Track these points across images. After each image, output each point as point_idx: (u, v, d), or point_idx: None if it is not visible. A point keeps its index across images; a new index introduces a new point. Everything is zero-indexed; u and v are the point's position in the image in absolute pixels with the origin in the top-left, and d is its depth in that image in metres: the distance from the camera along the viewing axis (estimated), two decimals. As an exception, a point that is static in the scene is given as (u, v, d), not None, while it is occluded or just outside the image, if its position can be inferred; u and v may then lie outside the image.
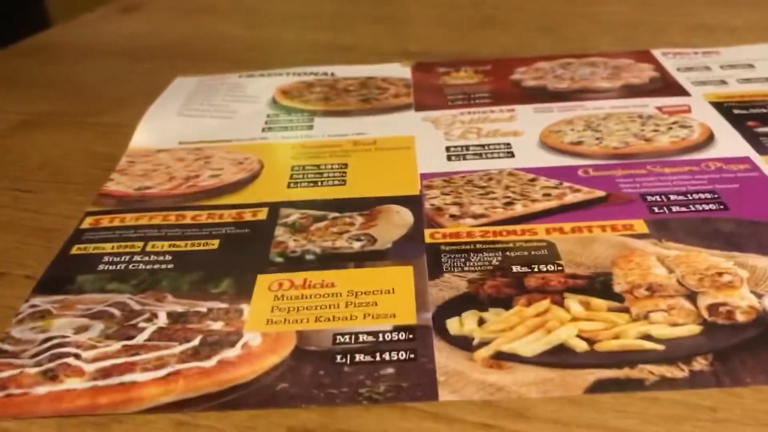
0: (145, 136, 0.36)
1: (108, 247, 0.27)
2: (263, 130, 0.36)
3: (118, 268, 0.26)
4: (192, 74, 0.43)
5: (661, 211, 0.27)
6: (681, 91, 0.37)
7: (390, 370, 0.21)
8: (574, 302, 0.23)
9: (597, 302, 0.23)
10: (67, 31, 0.54)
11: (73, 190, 0.32)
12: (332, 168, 0.32)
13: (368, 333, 0.22)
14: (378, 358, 0.21)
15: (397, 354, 0.21)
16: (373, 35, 0.49)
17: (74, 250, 0.27)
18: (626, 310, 0.23)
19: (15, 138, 0.37)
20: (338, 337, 0.22)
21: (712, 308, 0.22)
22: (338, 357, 0.22)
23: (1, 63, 0.48)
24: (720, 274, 0.24)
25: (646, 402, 0.19)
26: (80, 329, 0.24)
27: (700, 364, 0.20)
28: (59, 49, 0.50)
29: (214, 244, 0.27)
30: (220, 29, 0.52)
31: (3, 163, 0.34)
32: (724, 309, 0.22)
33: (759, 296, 0.23)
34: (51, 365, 0.22)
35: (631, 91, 0.37)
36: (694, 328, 0.22)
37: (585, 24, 0.49)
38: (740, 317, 0.22)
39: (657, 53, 0.42)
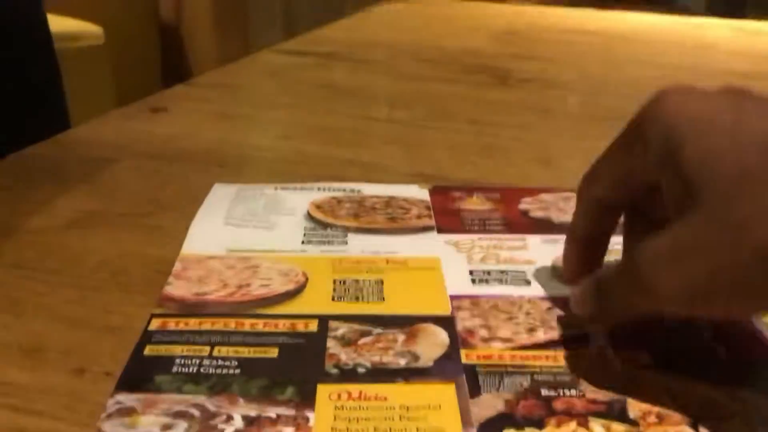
0: (195, 242, 0.39)
1: (178, 349, 0.30)
2: (303, 242, 0.40)
3: (190, 370, 0.29)
4: (225, 180, 0.47)
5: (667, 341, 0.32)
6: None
7: (449, 481, 0.24)
8: (597, 425, 0.27)
9: (616, 427, 0.27)
10: (98, 128, 0.57)
11: (134, 291, 0.35)
12: (370, 284, 0.36)
13: (425, 445, 0.26)
14: (437, 469, 0.25)
15: (453, 466, 0.25)
16: (390, 155, 0.54)
17: (147, 351, 0.30)
18: (643, 435, 0.27)
19: (70, 236, 0.40)
20: (399, 447, 0.26)
21: (713, 437, 0.27)
22: (402, 466, 0.25)
23: (46, 155, 0.51)
24: (716, 405, 0.28)
25: None
26: (165, 427, 0.26)
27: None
28: (94, 146, 0.53)
29: (274, 352, 0.31)
30: (248, 137, 0.57)
31: (63, 260, 0.37)
32: (723, 438, 0.27)
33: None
34: (147, 462, 0.25)
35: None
36: (700, 454, 0.26)
37: (578, 158, 0.55)
38: (736, 446, 0.26)
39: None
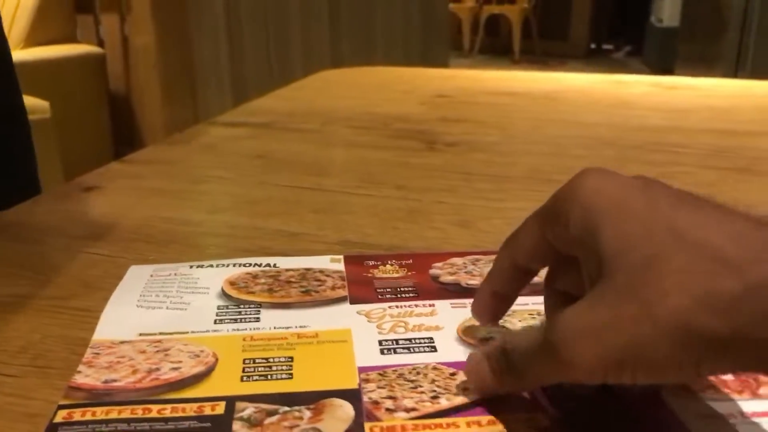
0: (107, 327, 0.39)
1: (81, 441, 0.31)
2: (215, 321, 0.40)
3: (92, 463, 0.29)
4: (153, 257, 0.47)
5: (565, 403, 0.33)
6: (571, 291, 0.44)
7: None
8: (490, 491, 0.28)
9: (509, 491, 0.28)
10: (33, 208, 0.57)
11: (54, 375, 0.35)
12: (280, 362, 0.37)
13: None
14: None
15: None
16: (317, 224, 0.55)
17: (50, 445, 0.30)
18: (532, 498, 0.28)
19: (-6, 321, 0.40)
20: None
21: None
22: None
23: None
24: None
25: None
26: None
27: None
28: (26, 227, 0.54)
29: (179, 437, 0.31)
30: (177, 213, 0.58)
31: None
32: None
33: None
34: None
35: (535, 289, 0.44)
36: None
37: (497, 219, 0.57)
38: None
39: (551, 253, 0.49)
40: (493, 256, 0.49)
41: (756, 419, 0.32)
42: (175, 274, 0.46)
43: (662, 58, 4.65)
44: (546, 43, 6.39)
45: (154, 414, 0.32)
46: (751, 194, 0.61)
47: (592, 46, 6.65)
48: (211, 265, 0.47)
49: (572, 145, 0.77)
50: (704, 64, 3.64)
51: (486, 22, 6.45)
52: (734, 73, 3.51)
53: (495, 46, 6.56)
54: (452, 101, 0.99)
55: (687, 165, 0.70)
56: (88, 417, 0.32)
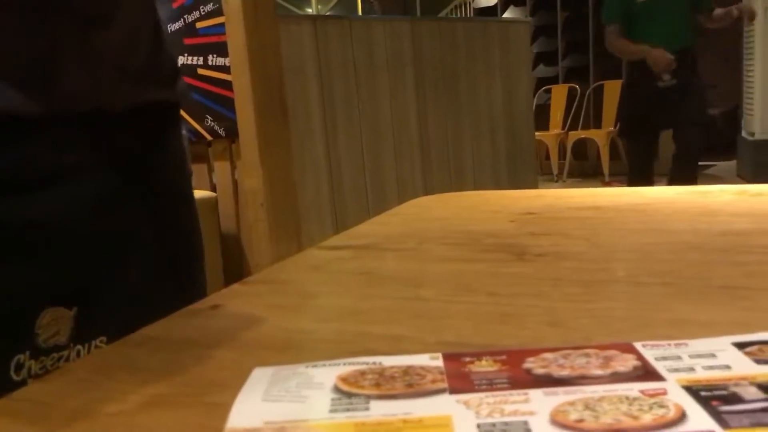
0: (237, 417, 0.45)
1: (222, 506, 0.36)
2: (330, 410, 0.45)
3: None
4: (272, 362, 0.54)
5: (647, 474, 0.36)
6: (658, 377, 0.47)
7: None
8: None
9: None
10: (168, 324, 0.66)
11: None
12: (389, 442, 0.41)
13: None
14: None
15: None
16: (417, 328, 0.60)
17: None
18: None
19: (142, 415, 0.47)
20: None
21: None
22: None
23: (122, 351, 0.60)
24: None
25: None
26: None
27: None
28: (164, 339, 0.62)
29: (304, 503, 0.36)
30: (293, 324, 0.64)
31: (134, 437, 0.44)
32: None
33: None
34: None
35: (619, 377, 0.47)
36: None
37: (585, 318, 0.60)
38: None
39: (638, 345, 0.52)
40: (583, 351, 0.52)
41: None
42: (294, 373, 0.51)
43: (756, 172, 4.57)
44: (637, 162, 6.37)
45: (281, 485, 0.37)
46: (843, 287, 0.62)
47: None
48: (324, 365, 0.52)
49: (658, 251, 0.79)
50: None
51: (573, 147, 6.55)
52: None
53: (584, 168, 6.62)
54: (539, 217, 1.04)
55: (776, 263, 0.71)
56: (227, 487, 0.37)
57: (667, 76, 4.31)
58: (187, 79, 2.98)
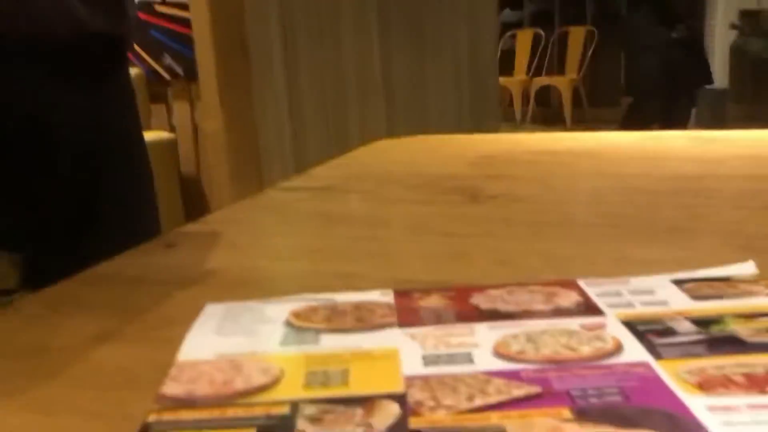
0: (188, 350, 0.46)
1: (171, 434, 0.37)
2: (281, 344, 0.46)
3: (181, 449, 0.35)
4: (225, 298, 0.54)
5: (582, 401, 0.37)
6: (598, 312, 0.49)
7: None
8: (517, 466, 0.32)
9: (533, 465, 0.32)
10: (121, 263, 0.66)
11: (145, 389, 0.41)
12: (337, 373, 0.42)
13: (370, 490, 0.31)
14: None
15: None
16: (371, 266, 0.61)
17: (146, 437, 0.36)
18: (553, 470, 0.32)
19: (91, 350, 0.47)
20: (349, 493, 0.31)
21: (613, 468, 0.32)
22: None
23: (73, 289, 0.59)
24: (620, 444, 0.34)
25: None
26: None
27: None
28: (116, 278, 0.62)
29: (253, 431, 0.37)
30: (247, 262, 0.65)
31: (85, 370, 0.44)
32: (621, 468, 0.32)
33: (646, 459, 0.32)
34: None
35: (561, 312, 0.49)
36: (600, 481, 0.31)
37: (533, 257, 0.62)
38: (632, 474, 0.31)
39: (581, 282, 0.54)
40: (528, 288, 0.54)
41: (762, 410, 0.36)
42: (247, 309, 0.52)
43: (714, 119, 4.65)
44: (597, 110, 6.45)
45: (229, 414, 0.38)
46: (780, 229, 0.64)
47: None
48: (278, 301, 0.53)
49: (608, 194, 0.81)
50: (755, 123, 3.62)
51: (536, 93, 6.57)
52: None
53: (546, 116, 6.66)
54: (497, 160, 1.05)
55: (720, 207, 0.73)
56: (176, 417, 0.38)
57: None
58: (144, 16, 2.89)
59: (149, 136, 2.78)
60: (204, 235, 0.75)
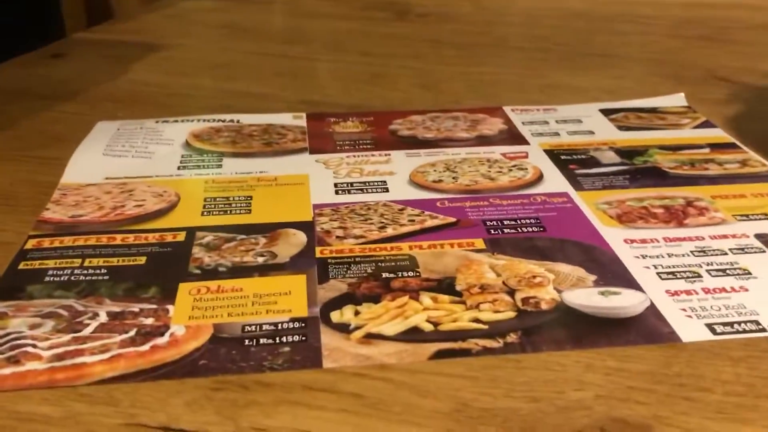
0: (74, 172, 0.41)
1: (51, 263, 0.33)
2: (179, 168, 0.42)
3: (61, 279, 0.32)
4: (120, 114, 0.49)
5: (497, 232, 0.36)
6: (522, 141, 0.46)
7: (287, 349, 0.28)
8: (426, 298, 0.31)
9: (443, 297, 0.31)
10: (1, 74, 0.58)
11: (24, 212, 0.37)
12: (239, 200, 0.39)
13: (270, 323, 0.29)
14: (277, 341, 0.28)
15: (292, 337, 0.28)
16: (281, 86, 0.56)
17: (21, 266, 0.33)
18: (463, 303, 0.30)
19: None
20: (246, 327, 0.29)
21: (525, 300, 0.31)
22: (246, 341, 0.28)
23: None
24: (534, 276, 0.32)
25: (471, 361, 0.27)
26: (34, 326, 0.29)
27: (512, 338, 0.28)
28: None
29: (142, 260, 0.33)
30: (143, 76, 0.58)
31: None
32: (533, 300, 0.31)
33: (559, 292, 0.31)
34: (13, 353, 0.27)
35: (484, 140, 0.46)
36: (511, 314, 0.30)
37: (458, 81, 0.58)
38: (544, 306, 0.30)
39: (507, 109, 0.51)
40: (451, 114, 0.50)
41: (677, 243, 0.35)
42: (141, 128, 0.47)
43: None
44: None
45: (117, 242, 0.35)
46: (712, 59, 0.62)
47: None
48: (176, 121, 0.48)
49: (542, 17, 0.77)
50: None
51: None
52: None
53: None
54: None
55: (655, 35, 0.70)
56: (56, 245, 0.34)
57: None
58: None
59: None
60: (96, 45, 0.67)
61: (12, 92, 0.54)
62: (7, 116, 0.49)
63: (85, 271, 0.32)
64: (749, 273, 0.32)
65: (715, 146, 0.45)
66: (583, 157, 0.44)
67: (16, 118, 0.49)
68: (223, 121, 0.48)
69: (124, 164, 0.42)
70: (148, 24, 0.75)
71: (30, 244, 0.34)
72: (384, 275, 0.32)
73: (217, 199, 0.39)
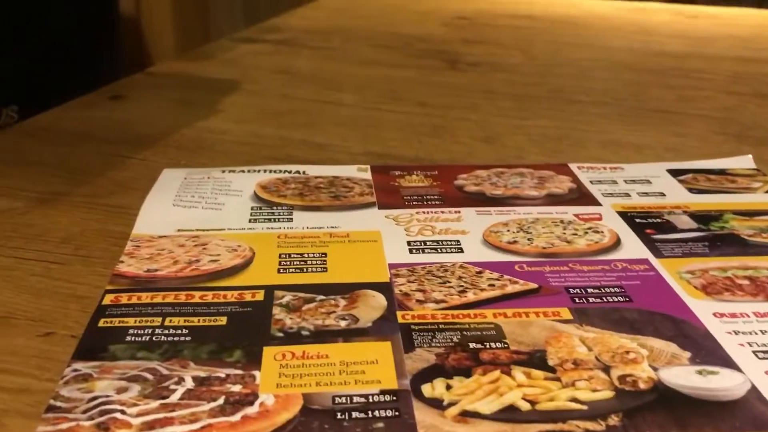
0: (145, 222, 0.41)
1: (131, 321, 0.32)
2: (249, 221, 0.42)
3: (143, 339, 0.31)
4: (184, 162, 0.49)
5: (581, 301, 0.35)
6: (593, 201, 0.45)
7: (380, 425, 0.27)
8: (518, 372, 0.30)
9: (536, 373, 0.30)
10: (62, 114, 0.58)
11: (97, 264, 0.37)
12: (314, 257, 0.38)
13: (360, 395, 0.28)
14: (370, 415, 0.27)
15: (385, 412, 0.27)
16: (341, 136, 0.56)
17: (101, 323, 0.32)
18: (558, 379, 0.29)
19: (35, 214, 0.41)
20: (336, 398, 0.28)
21: (622, 378, 0.30)
22: (338, 414, 0.27)
23: (10, 142, 0.52)
24: (627, 352, 0.31)
25: (575, 448, 0.26)
26: (120, 390, 0.28)
27: (613, 420, 0.27)
28: (59, 131, 0.55)
29: (223, 320, 0.33)
30: (205, 122, 0.58)
31: (27, 237, 0.39)
32: (631, 379, 0.30)
33: (655, 369, 0.30)
34: (102, 419, 0.27)
35: (554, 199, 0.46)
36: (609, 393, 0.29)
37: (519, 135, 0.57)
38: (642, 385, 0.29)
39: (573, 166, 0.50)
40: (517, 170, 0.50)
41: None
42: (208, 178, 0.47)
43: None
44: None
45: (196, 300, 0.34)
46: (771, 118, 0.62)
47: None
48: (243, 171, 0.48)
49: (594, 68, 0.77)
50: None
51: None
52: (758, 4, 3.43)
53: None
54: (473, 23, 0.98)
55: (708, 90, 0.70)
56: (134, 301, 0.34)
57: None
58: None
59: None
60: (154, 88, 0.68)
61: (76, 135, 0.54)
62: (75, 159, 0.49)
63: (167, 331, 0.32)
64: None
65: (792, 213, 0.44)
66: (659, 220, 0.43)
67: (83, 162, 0.49)
68: (290, 172, 0.48)
69: (195, 216, 0.42)
70: (202, 67, 0.76)
71: (107, 299, 0.34)
72: (471, 345, 0.31)
73: (292, 256, 0.38)
